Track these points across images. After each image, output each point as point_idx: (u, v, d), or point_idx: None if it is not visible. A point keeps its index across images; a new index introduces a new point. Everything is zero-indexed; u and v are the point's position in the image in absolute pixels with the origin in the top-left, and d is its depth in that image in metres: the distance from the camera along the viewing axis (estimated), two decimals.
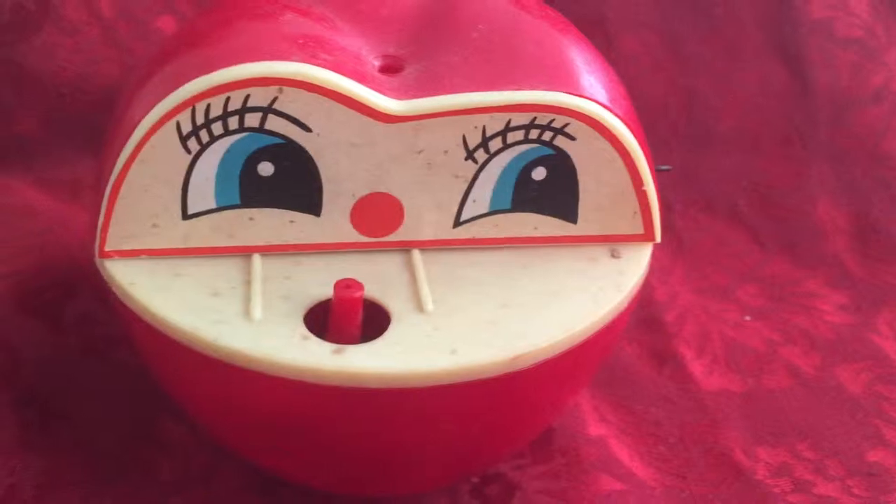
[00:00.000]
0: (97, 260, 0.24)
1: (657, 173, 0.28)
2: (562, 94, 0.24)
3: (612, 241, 0.26)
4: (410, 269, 0.25)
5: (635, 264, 0.26)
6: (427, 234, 0.25)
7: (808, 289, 0.39)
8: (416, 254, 0.25)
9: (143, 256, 0.24)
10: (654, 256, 0.39)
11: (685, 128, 0.43)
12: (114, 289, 0.24)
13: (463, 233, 0.25)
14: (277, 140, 0.23)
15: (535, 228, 0.26)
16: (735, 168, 0.43)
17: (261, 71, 0.23)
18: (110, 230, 0.24)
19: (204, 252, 0.25)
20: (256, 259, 0.25)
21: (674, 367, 0.34)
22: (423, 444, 0.24)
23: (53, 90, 0.39)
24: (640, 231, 0.26)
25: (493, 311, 0.24)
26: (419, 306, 0.24)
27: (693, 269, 0.39)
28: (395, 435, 0.24)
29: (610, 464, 0.29)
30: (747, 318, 0.37)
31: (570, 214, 0.26)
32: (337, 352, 0.22)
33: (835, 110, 0.44)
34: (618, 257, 0.26)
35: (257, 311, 0.23)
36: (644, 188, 0.25)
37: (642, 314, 0.36)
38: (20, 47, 0.38)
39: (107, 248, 0.24)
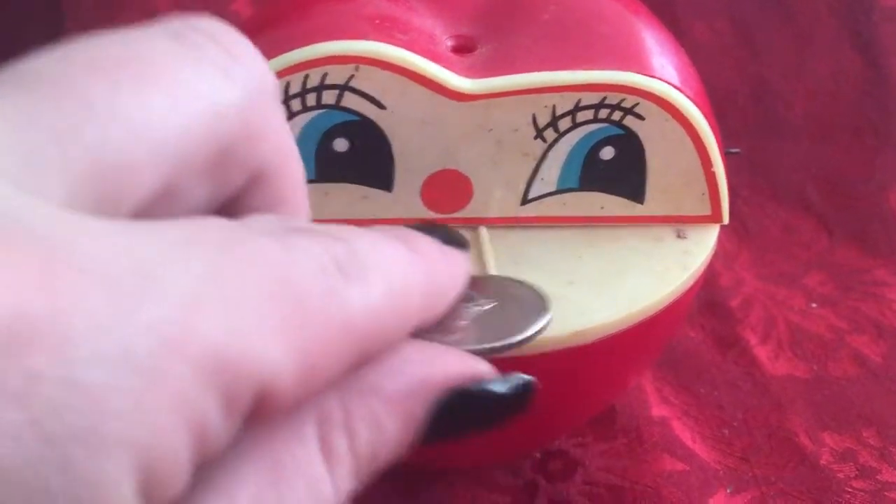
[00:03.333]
0: None
1: (726, 156, 0.28)
2: (633, 74, 0.24)
3: (679, 223, 0.26)
4: (478, 246, 0.25)
5: (701, 245, 0.26)
6: (495, 212, 0.26)
7: (876, 277, 0.38)
8: (484, 231, 0.26)
9: None
10: (719, 241, 0.39)
11: (754, 115, 0.43)
12: None
13: (530, 211, 0.26)
14: (353, 117, 0.24)
15: (602, 208, 0.26)
16: (804, 156, 0.42)
17: (338, 49, 0.23)
18: None
19: None
20: None
21: (738, 351, 0.34)
22: None
23: None
24: (708, 212, 0.26)
25: (557, 288, 0.24)
26: None
27: (759, 256, 0.39)
28: None
29: (672, 444, 0.30)
30: (814, 305, 0.36)
31: (637, 194, 0.26)
32: None
33: None
34: (684, 238, 0.26)
35: None
36: (713, 169, 0.25)
37: (707, 299, 0.36)
38: (104, 29, 0.40)
39: None
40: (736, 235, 0.40)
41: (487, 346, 0.21)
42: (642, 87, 0.24)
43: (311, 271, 0.13)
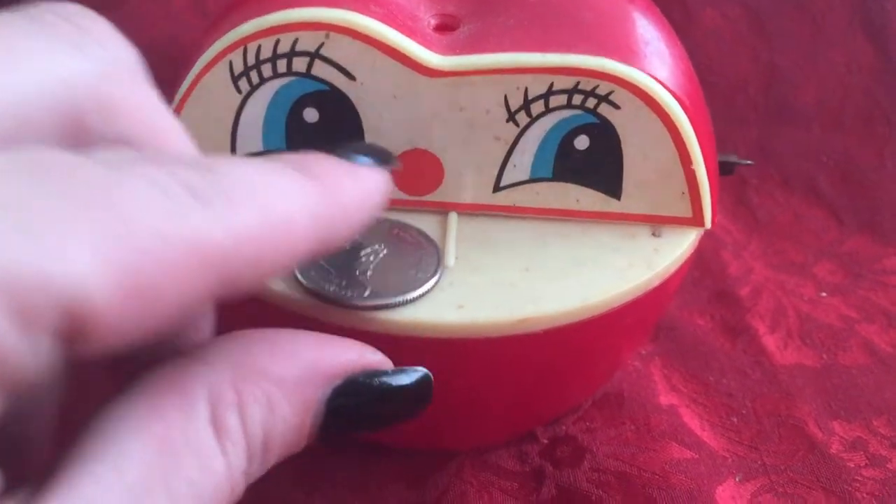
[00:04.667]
0: None
1: (737, 166, 0.28)
2: (607, 60, 0.23)
3: (657, 223, 0.25)
4: (444, 226, 0.25)
5: (674, 245, 0.25)
6: (467, 197, 0.25)
7: (887, 266, 0.38)
8: (454, 215, 0.25)
9: None
10: (728, 231, 0.39)
11: (765, 103, 0.42)
12: None
13: (503, 199, 0.25)
14: (323, 87, 0.24)
15: (577, 201, 0.25)
16: (815, 144, 0.42)
17: (309, 16, 0.23)
18: None
19: None
20: None
21: (747, 340, 0.34)
22: (435, 397, 0.25)
23: (142, 58, 0.40)
24: (689, 214, 0.25)
25: (514, 273, 0.24)
26: (442, 260, 0.24)
27: (769, 245, 0.39)
28: None
29: (680, 432, 0.29)
30: (823, 294, 0.36)
31: (613, 189, 0.25)
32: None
33: None
34: (658, 236, 0.25)
35: None
36: (692, 167, 0.24)
37: (716, 288, 0.36)
38: (109, 16, 0.39)
39: None
40: (746, 224, 0.39)
41: (399, 298, 0.22)
42: (616, 74, 0.23)
43: (144, 193, 0.13)
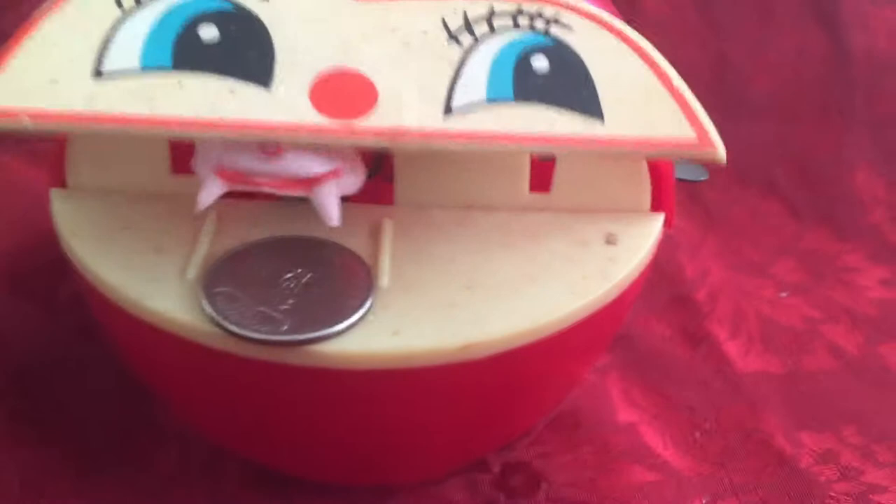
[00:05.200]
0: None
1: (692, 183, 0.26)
2: None
3: (658, 148, 0.21)
4: (377, 237, 0.23)
5: (631, 253, 0.23)
6: (412, 121, 0.20)
7: (847, 263, 0.36)
8: (388, 224, 0.23)
9: (26, 119, 0.19)
10: (682, 230, 0.38)
11: (717, 95, 0.41)
12: (60, 242, 0.22)
13: (456, 123, 0.21)
14: (227, 5, 0.20)
15: (552, 125, 0.21)
16: (769, 137, 0.41)
17: None
18: None
19: (110, 122, 0.20)
20: (212, 215, 0.22)
21: (707, 348, 0.32)
22: (371, 432, 0.22)
23: None
24: (692, 135, 0.21)
25: (454, 293, 0.21)
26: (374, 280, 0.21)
27: (725, 244, 0.37)
28: (335, 417, 0.22)
29: (642, 452, 0.27)
30: (784, 294, 0.35)
31: (591, 108, 0.21)
32: None
33: (872, 75, 0.42)
34: (613, 244, 0.23)
35: (193, 270, 0.21)
36: (675, 84, 0.21)
37: (672, 292, 0.34)
38: (7, 15, 0.36)
39: None
40: (700, 222, 0.38)
41: (315, 334, 0.20)
42: (560, 0, 0.21)
43: None
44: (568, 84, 0.21)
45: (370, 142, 0.20)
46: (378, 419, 0.22)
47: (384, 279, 0.21)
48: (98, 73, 0.20)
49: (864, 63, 0.42)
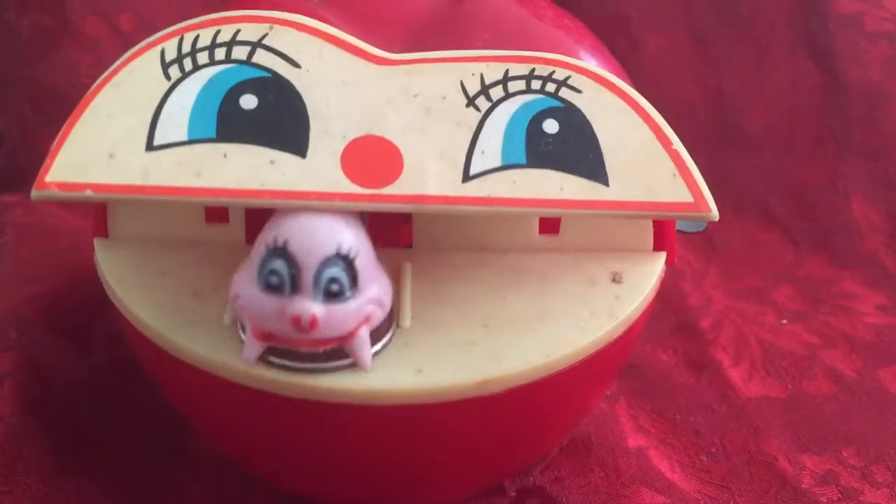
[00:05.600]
0: (34, 193, 0.21)
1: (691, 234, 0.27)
2: (559, 55, 0.23)
3: (657, 210, 0.23)
4: (399, 278, 0.24)
5: (635, 291, 0.24)
6: (433, 188, 0.22)
7: (845, 289, 0.38)
8: (408, 267, 0.24)
9: (88, 192, 0.21)
10: (686, 260, 0.39)
11: (715, 128, 0.42)
12: (105, 287, 0.24)
13: (475, 189, 0.22)
14: (263, 73, 0.22)
15: (561, 189, 0.23)
16: (767, 168, 0.42)
17: (252, 12, 0.22)
18: (58, 157, 0.21)
19: (163, 192, 0.21)
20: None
21: (711, 374, 0.33)
22: (396, 461, 0.24)
23: (75, 106, 0.39)
24: (689, 198, 0.23)
25: (472, 331, 0.23)
26: (397, 320, 0.23)
27: (727, 272, 0.38)
28: (363, 450, 0.23)
29: (651, 476, 0.29)
30: (784, 321, 0.36)
31: (597, 173, 0.23)
32: None
33: (866, 106, 0.43)
34: (619, 282, 0.24)
35: (230, 315, 0.22)
36: (675, 147, 0.23)
37: (677, 320, 0.36)
38: (41, 65, 0.38)
39: (48, 179, 0.21)
40: (703, 252, 0.39)
41: (341, 362, 0.21)
42: (570, 62, 0.23)
43: None
44: (576, 148, 0.22)
45: (396, 208, 0.22)
46: (402, 450, 0.23)
47: (406, 319, 0.23)
48: (151, 147, 0.22)
49: (859, 95, 0.43)
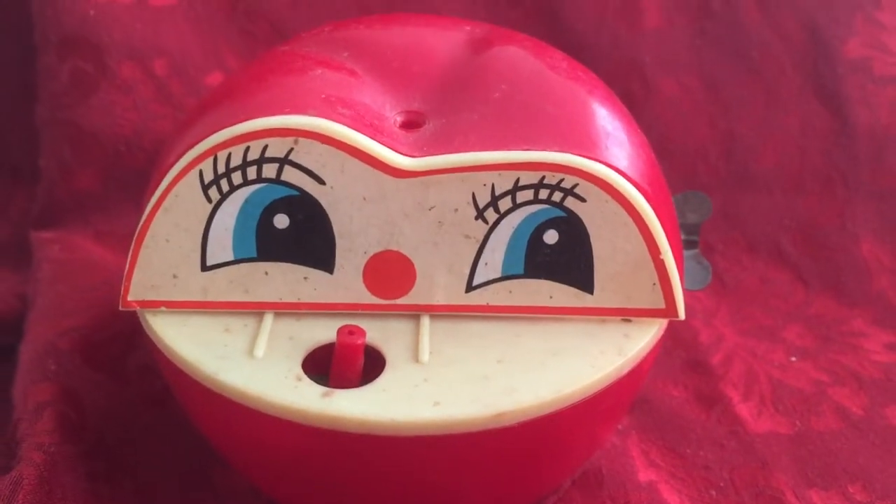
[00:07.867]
0: (121, 307, 0.26)
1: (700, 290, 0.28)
2: (570, 155, 0.24)
3: (631, 315, 0.25)
4: (417, 317, 0.26)
5: (644, 331, 0.25)
6: (439, 299, 0.25)
7: (854, 328, 0.39)
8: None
9: (163, 308, 0.25)
10: (697, 298, 0.40)
11: (726, 170, 0.43)
12: (141, 322, 0.26)
13: (476, 298, 0.25)
14: (293, 192, 0.24)
15: (551, 297, 0.25)
16: (777, 208, 0.43)
17: (278, 123, 0.24)
18: (133, 279, 0.25)
19: (220, 307, 0.25)
20: (270, 313, 0.26)
21: (721, 409, 0.34)
22: (414, 490, 0.25)
23: (111, 147, 0.41)
24: (661, 305, 0.25)
25: (487, 366, 0.24)
26: (415, 356, 0.24)
27: (737, 311, 0.39)
28: (385, 479, 0.24)
29: None
30: (793, 359, 0.37)
31: (585, 283, 0.25)
32: (325, 395, 0.23)
33: (875, 149, 0.44)
34: (628, 321, 0.26)
35: (260, 349, 0.24)
36: (662, 257, 0.25)
37: (688, 357, 0.36)
38: (79, 108, 0.40)
39: (130, 298, 0.25)
40: (714, 290, 0.40)
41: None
42: (580, 168, 0.24)
43: None
44: (570, 260, 0.25)
45: (408, 313, 0.26)
46: (420, 479, 0.25)
47: (425, 355, 0.24)
48: (205, 267, 0.25)
49: (867, 137, 0.44)
